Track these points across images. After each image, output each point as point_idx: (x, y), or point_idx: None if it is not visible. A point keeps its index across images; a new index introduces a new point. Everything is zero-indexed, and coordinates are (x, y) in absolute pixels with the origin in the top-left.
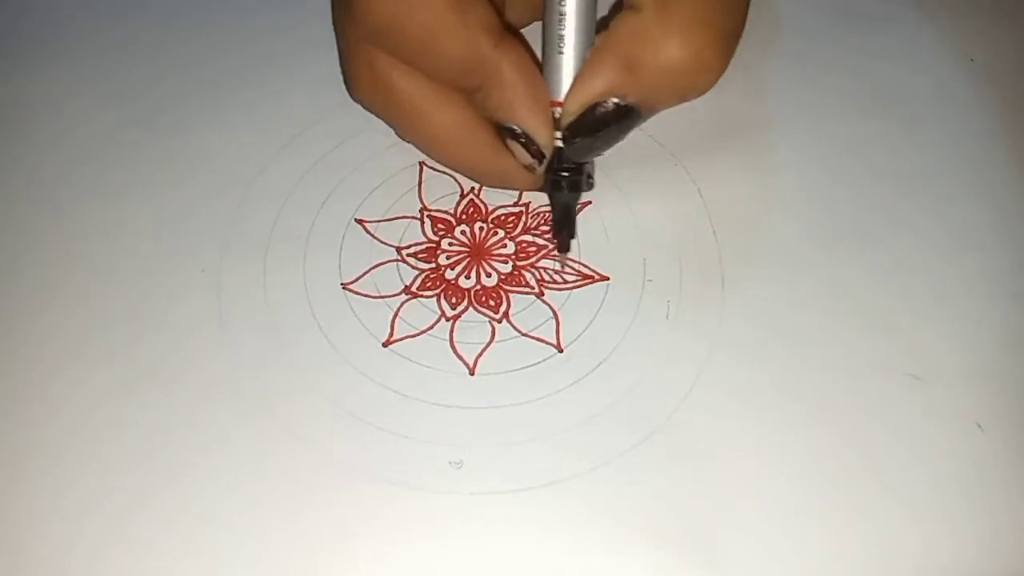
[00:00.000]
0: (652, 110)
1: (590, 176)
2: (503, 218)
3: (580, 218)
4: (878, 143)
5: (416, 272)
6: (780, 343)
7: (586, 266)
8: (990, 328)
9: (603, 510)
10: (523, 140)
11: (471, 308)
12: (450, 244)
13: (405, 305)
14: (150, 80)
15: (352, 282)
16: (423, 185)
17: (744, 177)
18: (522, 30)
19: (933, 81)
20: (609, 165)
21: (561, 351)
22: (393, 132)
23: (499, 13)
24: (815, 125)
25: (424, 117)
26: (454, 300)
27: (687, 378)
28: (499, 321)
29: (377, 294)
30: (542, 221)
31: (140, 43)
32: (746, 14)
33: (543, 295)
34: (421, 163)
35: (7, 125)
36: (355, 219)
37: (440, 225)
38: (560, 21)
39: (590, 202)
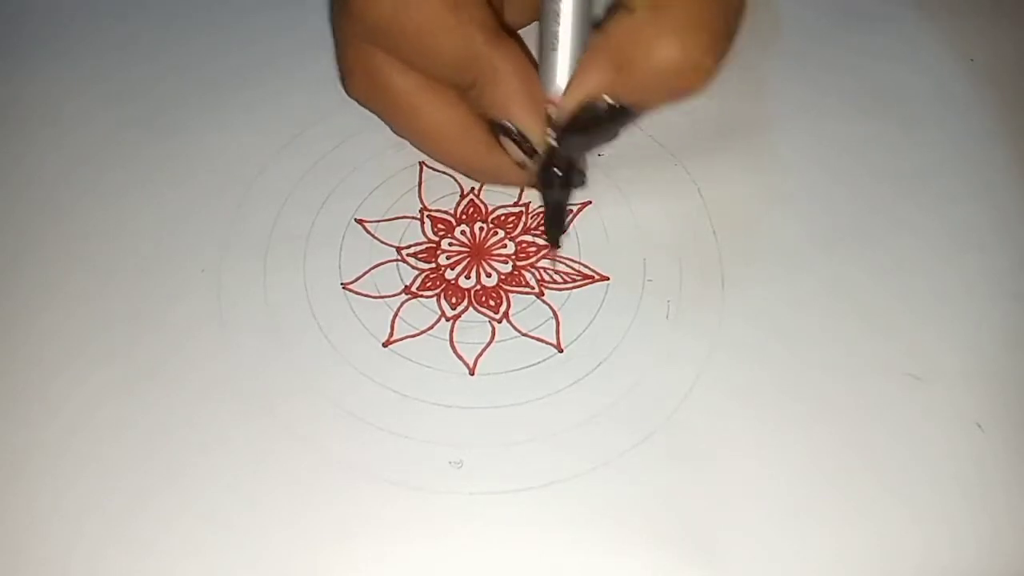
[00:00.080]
0: (645, 109)
1: (582, 173)
2: (503, 218)
3: (580, 218)
4: (878, 143)
5: (416, 272)
6: (780, 343)
7: (586, 266)
8: (990, 328)
9: (603, 510)
10: (516, 137)
11: (471, 308)
12: (450, 244)
13: (405, 305)
14: (150, 80)
15: (352, 282)
16: (423, 185)
17: (744, 177)
18: (522, 30)
19: (933, 81)
20: (609, 165)
21: (561, 351)
22: (393, 132)
23: (495, 12)
24: (815, 125)
25: (419, 114)
26: (454, 300)
27: (687, 378)
28: (499, 321)
29: (377, 294)
30: (542, 221)
31: (140, 43)
32: (742, 16)
33: (543, 295)
34: (421, 163)
35: (7, 125)
36: (355, 219)
37: (440, 225)
38: (555, 19)
39: (590, 202)
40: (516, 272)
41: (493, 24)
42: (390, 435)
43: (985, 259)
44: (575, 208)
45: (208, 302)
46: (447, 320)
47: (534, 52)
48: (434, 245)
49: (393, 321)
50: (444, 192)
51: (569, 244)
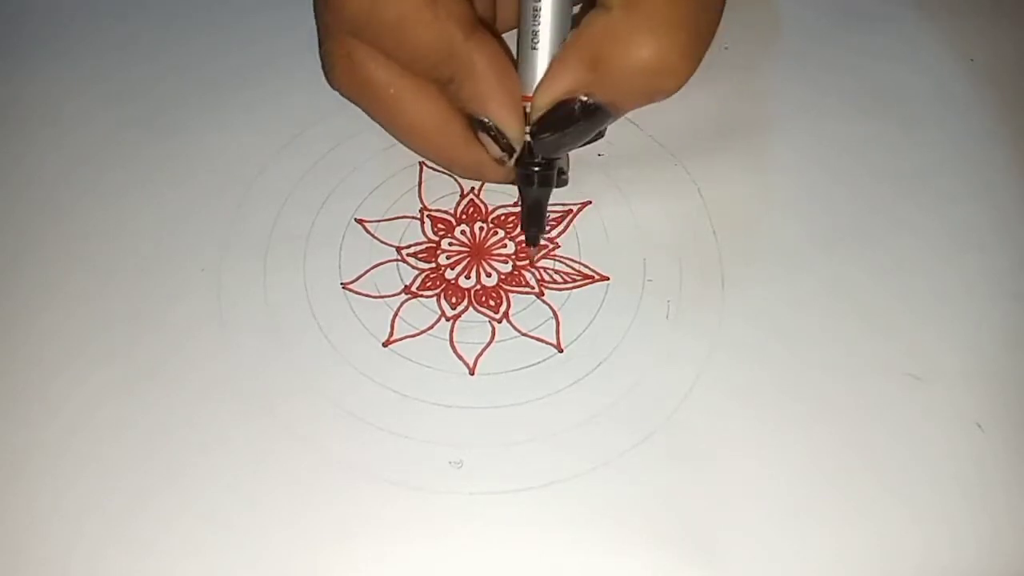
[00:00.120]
0: (619, 110)
1: (563, 172)
2: (503, 218)
3: (580, 218)
4: (878, 143)
5: (416, 272)
6: (780, 343)
7: (586, 266)
8: (990, 328)
9: (603, 510)
10: (493, 133)
11: (471, 308)
12: (450, 244)
13: (405, 305)
14: (150, 80)
15: (352, 282)
16: (423, 185)
17: (744, 177)
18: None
19: (933, 81)
20: (609, 165)
21: (561, 351)
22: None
23: (474, 7)
24: (815, 125)
25: (398, 107)
26: (454, 300)
27: (687, 378)
28: (499, 321)
29: (377, 294)
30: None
31: (140, 43)
32: (719, 18)
33: (543, 295)
34: (421, 163)
35: (7, 125)
36: (355, 219)
37: (440, 225)
38: (535, 17)
39: (590, 202)
40: (516, 272)
41: (471, 19)
42: (390, 435)
43: (985, 259)
44: (575, 208)
45: (208, 302)
46: (447, 320)
47: (514, 50)
48: (434, 245)
49: (393, 321)
50: (444, 192)
51: (569, 244)
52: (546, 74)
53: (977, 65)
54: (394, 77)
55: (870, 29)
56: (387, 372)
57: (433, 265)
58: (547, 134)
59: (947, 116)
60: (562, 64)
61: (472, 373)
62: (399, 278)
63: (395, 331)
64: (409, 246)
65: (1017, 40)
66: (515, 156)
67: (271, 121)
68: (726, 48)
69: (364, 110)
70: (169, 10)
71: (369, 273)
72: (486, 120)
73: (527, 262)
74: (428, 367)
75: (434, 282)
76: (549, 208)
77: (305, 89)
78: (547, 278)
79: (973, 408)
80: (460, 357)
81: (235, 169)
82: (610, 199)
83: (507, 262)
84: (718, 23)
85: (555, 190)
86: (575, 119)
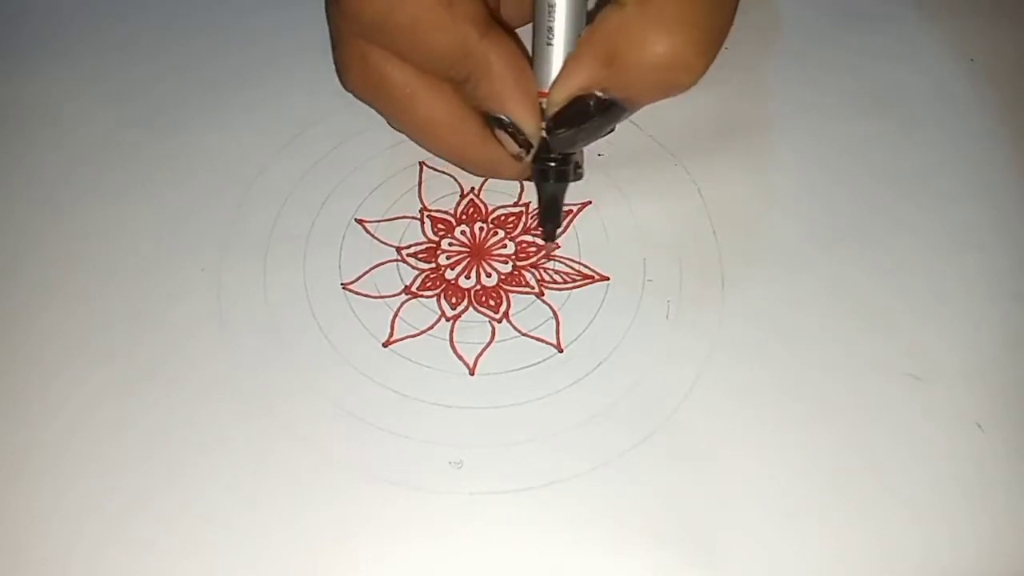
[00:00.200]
0: (634, 105)
1: (579, 166)
2: (503, 218)
3: (580, 218)
4: (878, 143)
5: (416, 272)
6: (780, 343)
7: (586, 266)
8: (990, 328)
9: (603, 510)
10: (510, 130)
11: (471, 308)
12: (450, 244)
13: (405, 305)
14: (150, 80)
15: (352, 282)
16: (423, 185)
17: (744, 177)
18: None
19: (933, 81)
20: (609, 165)
21: (561, 351)
22: (394, 132)
23: (487, 4)
24: (815, 125)
25: (414, 107)
26: (454, 300)
27: (687, 378)
28: (499, 321)
29: (377, 294)
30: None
31: (140, 43)
32: (733, 13)
33: (543, 295)
34: (421, 163)
35: (7, 125)
36: (355, 219)
37: (440, 225)
38: (550, 13)
39: (590, 202)
40: (516, 272)
41: (486, 18)
42: (390, 435)
43: (985, 259)
44: (575, 208)
45: (208, 302)
46: (447, 320)
47: (528, 46)
48: (434, 245)
49: (393, 321)
50: (444, 192)
51: (569, 244)
52: (562, 70)
53: (977, 65)
54: (409, 77)
55: (870, 29)
56: (387, 372)
57: (433, 265)
58: (563, 130)
59: (947, 116)
60: (577, 60)
61: (472, 373)
62: (399, 278)
63: (395, 331)
64: (409, 246)
65: (1017, 40)
66: (532, 152)
67: (271, 121)
68: (726, 48)
69: (379, 111)
70: (169, 10)
71: (369, 273)
72: (503, 118)
73: (527, 262)
74: (428, 367)
75: (434, 282)
76: None
77: (305, 89)
78: (547, 278)
79: (973, 408)
80: (460, 357)
81: (235, 169)
82: (610, 199)
83: (507, 262)
84: (732, 19)
85: None
86: (591, 114)
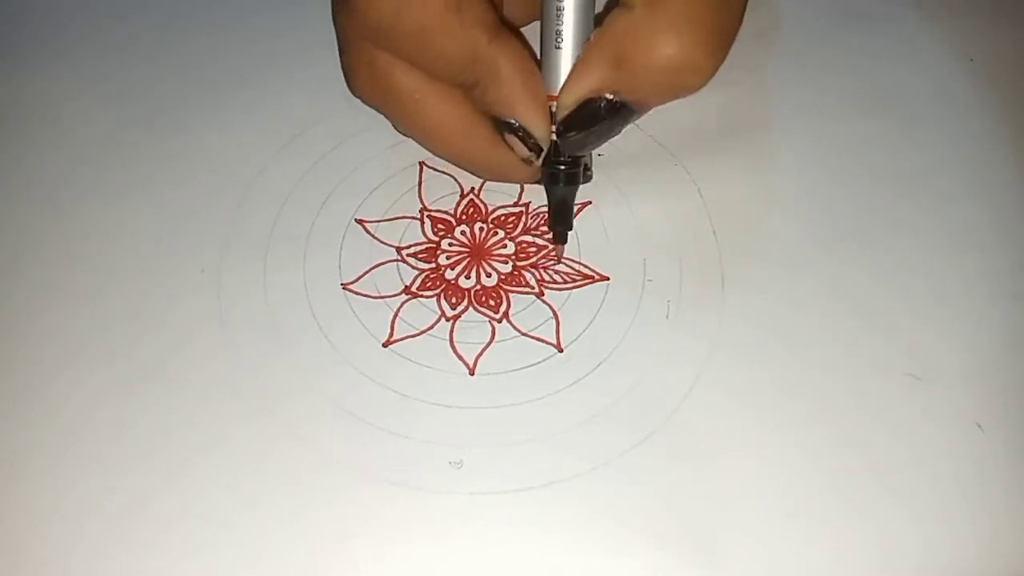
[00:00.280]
0: (644, 107)
1: (588, 169)
2: (503, 218)
3: (580, 218)
4: (878, 143)
5: (416, 272)
6: (780, 343)
7: (586, 266)
8: (990, 328)
9: (603, 510)
10: (520, 134)
11: (471, 308)
12: (450, 244)
13: (405, 305)
14: (150, 80)
15: (352, 282)
16: (423, 185)
17: (744, 177)
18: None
19: (933, 81)
20: (609, 165)
21: (561, 351)
22: (394, 132)
23: (496, 9)
24: (815, 125)
25: (423, 113)
26: (454, 300)
27: (687, 378)
28: (499, 321)
29: (377, 294)
30: (542, 221)
31: (140, 43)
32: (742, 13)
33: (543, 295)
34: (421, 163)
35: (7, 125)
36: (355, 219)
37: (440, 225)
38: (558, 16)
39: (590, 202)
40: (516, 272)
41: (495, 22)
42: (390, 435)
43: (985, 259)
44: (575, 208)
45: (208, 302)
46: (447, 320)
47: (536, 48)
48: (434, 245)
49: (393, 321)
50: (444, 192)
51: (569, 244)
52: (571, 73)
53: (977, 65)
54: (417, 83)
55: (870, 29)
56: (387, 372)
57: (433, 265)
58: (573, 133)
59: (947, 116)
60: (587, 63)
61: (472, 373)
62: (399, 278)
63: (395, 331)
64: (409, 246)
65: (1017, 40)
66: (542, 156)
67: (271, 121)
68: None
69: (388, 117)
70: (169, 10)
71: (369, 273)
72: (513, 122)
73: (527, 262)
74: (428, 367)
75: (434, 282)
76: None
77: (305, 89)
78: (547, 278)
79: (973, 408)
80: (460, 357)
81: (235, 169)
82: (610, 199)
83: (507, 262)
84: (741, 20)
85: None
86: (601, 117)
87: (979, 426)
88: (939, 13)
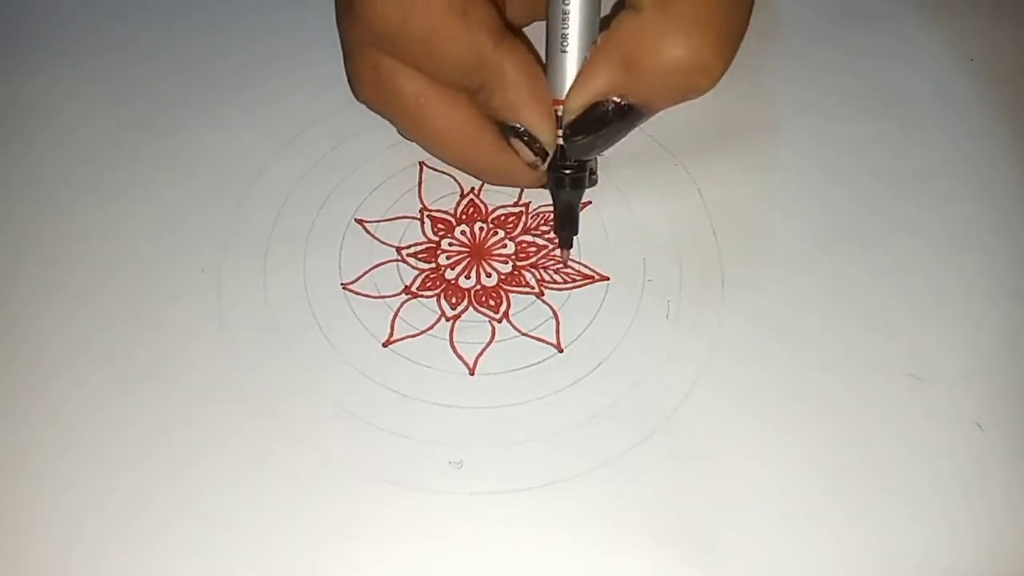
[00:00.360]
0: (653, 109)
1: (593, 172)
2: (503, 218)
3: (580, 218)
4: (878, 143)
5: (416, 272)
6: (780, 343)
7: (586, 266)
8: (990, 328)
9: (603, 510)
10: (526, 139)
11: (471, 308)
12: (450, 244)
13: (405, 305)
14: (150, 80)
15: (352, 282)
16: (423, 185)
17: (744, 177)
18: (528, 28)
19: (933, 81)
20: (609, 165)
21: (561, 351)
22: (394, 132)
23: (501, 12)
24: (815, 125)
25: (428, 118)
26: (454, 300)
27: (687, 378)
28: (499, 321)
29: (377, 294)
30: (542, 221)
31: (140, 43)
32: (749, 15)
33: (543, 295)
34: (421, 163)
35: (7, 125)
36: (355, 219)
37: (440, 225)
38: (564, 20)
39: (590, 202)
40: (516, 272)
41: (500, 26)
42: (390, 435)
43: (985, 259)
44: None
45: (208, 302)
46: (447, 320)
47: (540, 51)
48: (434, 245)
49: (393, 321)
50: (444, 192)
51: None
52: (578, 76)
53: (977, 65)
54: (422, 88)
55: (870, 29)
56: (387, 372)
57: (433, 265)
58: (581, 136)
59: (947, 116)
60: (594, 66)
61: (472, 373)
62: (399, 278)
63: (395, 331)
64: (409, 246)
65: (1017, 40)
66: (548, 160)
67: (271, 121)
68: None
69: (392, 122)
70: (169, 10)
71: (369, 273)
72: (519, 127)
73: (527, 262)
74: (428, 367)
75: (434, 282)
76: (549, 209)
77: (305, 89)
78: (547, 278)
79: (973, 408)
80: (460, 357)
81: (235, 169)
82: (610, 199)
83: (507, 262)
84: (748, 21)
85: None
86: (608, 120)
87: (979, 426)
88: (939, 13)
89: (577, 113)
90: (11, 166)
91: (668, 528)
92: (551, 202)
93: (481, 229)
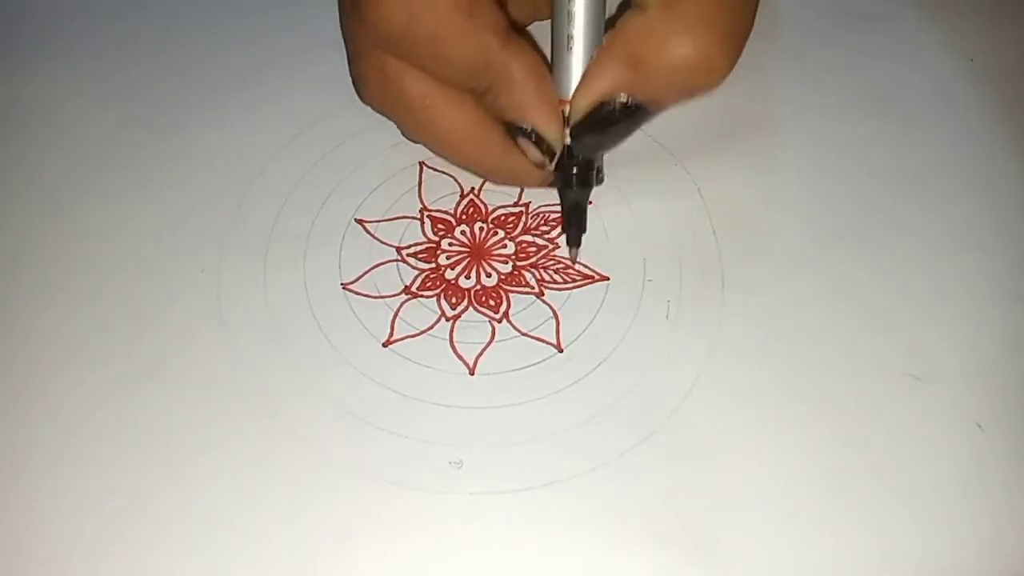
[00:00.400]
0: (659, 108)
1: (600, 171)
2: (503, 218)
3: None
4: (878, 143)
5: (416, 272)
6: (780, 343)
7: (586, 266)
8: (990, 328)
9: (603, 510)
10: (533, 139)
11: (471, 308)
12: (450, 244)
13: (405, 305)
14: (150, 80)
15: (352, 282)
16: (423, 185)
17: (744, 177)
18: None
19: (933, 81)
20: (609, 165)
21: (561, 351)
22: (394, 131)
23: (506, 12)
24: (815, 125)
25: (435, 119)
26: (454, 300)
27: (687, 378)
28: (499, 321)
29: (377, 294)
30: (542, 221)
31: (140, 43)
32: (754, 13)
33: (543, 295)
34: (421, 163)
35: (7, 125)
36: (355, 219)
37: (440, 225)
38: (569, 20)
39: (590, 202)
40: (516, 272)
41: (505, 27)
42: (390, 435)
43: (985, 259)
44: None
45: (208, 302)
46: (447, 320)
47: (546, 50)
48: (434, 245)
49: (393, 321)
50: (444, 192)
51: None
52: (585, 75)
53: (977, 65)
54: (428, 89)
55: (870, 29)
56: (387, 372)
57: (433, 265)
58: (587, 135)
59: (947, 116)
60: (600, 65)
61: (472, 373)
62: (399, 278)
63: (395, 331)
64: (409, 246)
65: (1017, 40)
66: (555, 160)
67: (271, 121)
68: None
69: (398, 124)
70: (169, 10)
71: (369, 273)
72: (525, 127)
73: (527, 262)
74: (428, 367)
75: (434, 282)
76: (549, 209)
77: (305, 89)
78: (547, 278)
79: (973, 408)
80: (460, 357)
81: (235, 169)
82: (610, 199)
83: (507, 262)
84: (754, 19)
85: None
86: (615, 119)
87: (979, 426)
88: (939, 13)
89: (584, 112)
90: (11, 166)
91: (668, 528)
92: (551, 202)
93: (481, 229)
